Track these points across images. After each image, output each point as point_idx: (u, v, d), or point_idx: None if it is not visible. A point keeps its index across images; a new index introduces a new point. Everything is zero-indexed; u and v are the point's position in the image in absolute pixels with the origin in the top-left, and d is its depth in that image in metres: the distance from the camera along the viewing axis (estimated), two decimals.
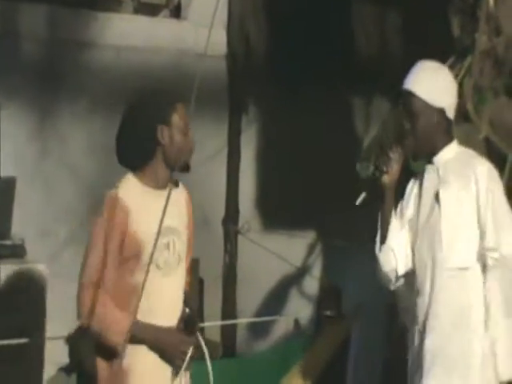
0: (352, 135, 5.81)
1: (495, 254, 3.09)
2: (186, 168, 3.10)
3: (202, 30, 5.03)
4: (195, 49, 5.05)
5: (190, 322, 3.04)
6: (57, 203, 5.18)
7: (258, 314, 5.78)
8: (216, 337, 5.74)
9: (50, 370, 4.23)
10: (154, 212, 2.89)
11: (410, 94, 3.13)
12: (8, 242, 4.19)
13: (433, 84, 3.16)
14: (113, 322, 2.92)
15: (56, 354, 4.04)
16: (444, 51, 3.98)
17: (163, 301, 2.97)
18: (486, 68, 3.93)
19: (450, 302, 3.12)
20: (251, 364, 4.52)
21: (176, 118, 3.03)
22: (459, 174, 3.16)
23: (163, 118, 3.02)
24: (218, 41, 5.61)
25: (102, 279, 2.94)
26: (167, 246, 3.00)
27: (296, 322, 5.50)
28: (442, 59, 3.97)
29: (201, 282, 5.76)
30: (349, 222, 5.29)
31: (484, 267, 3.14)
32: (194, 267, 5.78)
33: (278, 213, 5.92)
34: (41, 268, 4.09)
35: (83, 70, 5.46)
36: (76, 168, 5.37)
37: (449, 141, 3.20)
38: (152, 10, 5.92)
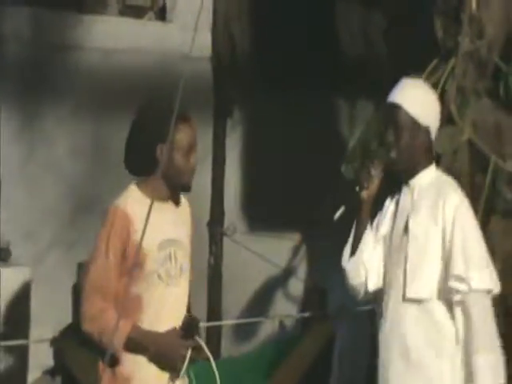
0: (337, 138, 5.82)
1: (463, 286, 3.00)
2: (186, 188, 3.07)
3: (187, 32, 5.05)
4: (180, 50, 5.00)
5: (190, 325, 3.02)
6: (41, 205, 5.15)
7: (244, 315, 5.78)
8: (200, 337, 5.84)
9: (34, 373, 4.22)
10: (156, 223, 2.85)
11: (399, 108, 3.08)
12: None
13: (421, 102, 3.12)
14: (114, 328, 2.85)
15: (41, 357, 4.02)
16: (427, 53, 4.01)
17: (166, 311, 2.98)
18: (468, 70, 3.92)
19: (405, 335, 3.09)
20: (236, 365, 4.46)
21: (177, 138, 2.97)
22: (431, 203, 3.10)
23: (164, 137, 2.88)
24: (202, 43, 5.53)
25: (105, 288, 2.94)
26: (169, 257, 2.99)
27: (281, 323, 5.51)
28: (426, 61, 4.06)
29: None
30: (333, 224, 5.31)
31: (448, 302, 3.06)
32: None
33: (262, 215, 5.93)
34: (25, 271, 4.10)
35: (69, 72, 5.46)
36: (61, 170, 5.36)
37: (428, 163, 3.15)
38: (137, 13, 5.94)
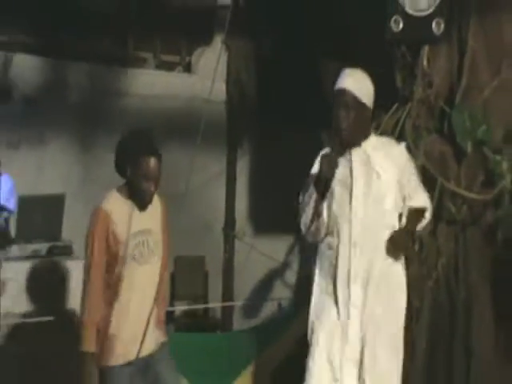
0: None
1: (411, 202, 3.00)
2: (145, 205, 2.95)
3: (207, 82, 5.10)
4: (202, 96, 5.02)
5: None
6: None
7: (250, 298, 5.76)
8: (217, 316, 5.79)
9: None
10: (127, 216, 2.89)
11: (346, 92, 2.97)
12: (60, 243, 4.20)
13: (361, 86, 3.01)
14: (90, 334, 2.85)
15: None
16: (390, 99, 3.98)
17: (139, 283, 2.93)
18: (421, 112, 3.87)
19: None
20: (239, 338, 4.38)
21: (143, 166, 2.89)
22: (382, 150, 3.03)
23: (134, 161, 2.90)
24: (219, 90, 5.62)
25: (100, 276, 2.90)
26: (141, 243, 2.94)
27: (279, 305, 5.42)
28: (389, 105, 4.01)
29: (206, 274, 5.82)
30: None
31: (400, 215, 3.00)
32: (200, 263, 5.85)
33: (265, 221, 5.90)
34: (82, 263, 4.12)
35: (117, 112, 5.46)
36: (110, 187, 5.33)
37: (369, 132, 3.06)
38: (169, 67, 5.95)
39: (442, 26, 3.64)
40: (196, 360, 3.77)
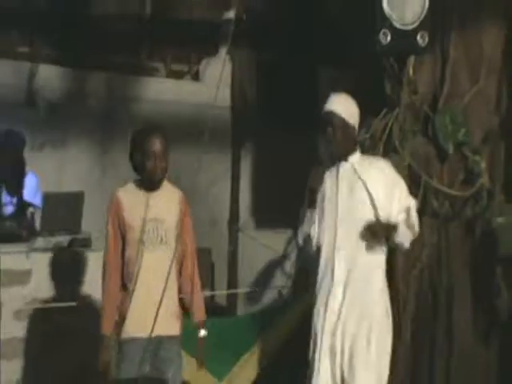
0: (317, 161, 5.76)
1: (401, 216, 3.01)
2: (157, 184, 2.93)
3: (213, 89, 5.07)
4: (208, 101, 4.85)
5: None
6: None
7: (253, 286, 5.75)
8: (222, 302, 5.79)
9: None
10: (139, 204, 2.92)
11: (334, 114, 3.04)
12: (79, 236, 4.17)
13: (347, 108, 3.08)
14: (109, 314, 2.91)
15: None
16: (380, 104, 4.01)
17: (147, 268, 2.92)
18: (407, 116, 3.89)
19: None
20: (243, 322, 4.38)
21: (145, 146, 2.87)
22: (369, 165, 3.09)
23: (138, 146, 2.90)
24: (224, 96, 5.65)
25: (114, 256, 2.93)
26: (152, 230, 2.92)
27: (279, 292, 5.42)
28: (379, 110, 3.96)
29: (212, 265, 5.77)
30: None
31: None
32: (207, 254, 5.87)
33: (266, 216, 5.90)
34: (102, 254, 4.05)
35: (131, 116, 5.43)
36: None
37: (355, 149, 3.12)
38: (179, 75, 5.92)
39: (426, 38, 3.66)
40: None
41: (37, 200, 4.47)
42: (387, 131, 3.87)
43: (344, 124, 3.05)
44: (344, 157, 3.09)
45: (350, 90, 5.29)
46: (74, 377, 3.77)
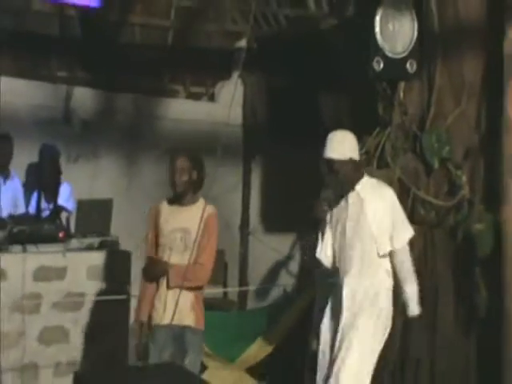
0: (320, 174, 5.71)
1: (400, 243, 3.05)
2: (180, 195, 3.07)
3: (227, 109, 5.09)
4: (222, 120, 4.86)
5: None
6: (139, 214, 4.89)
7: (261, 284, 5.77)
8: (234, 298, 5.80)
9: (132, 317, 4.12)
10: (171, 216, 3.07)
11: (331, 159, 3.01)
12: (109, 238, 4.20)
13: (345, 145, 3.04)
14: (144, 304, 3.05)
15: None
16: (373, 124, 4.00)
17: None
18: (398, 135, 3.89)
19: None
20: (252, 316, 4.45)
21: (171, 163, 3.05)
22: (374, 194, 3.07)
23: (169, 163, 3.08)
24: (236, 115, 5.72)
25: (149, 248, 3.09)
26: (179, 238, 3.05)
27: (284, 289, 5.44)
28: (372, 128, 3.96)
29: (226, 265, 5.79)
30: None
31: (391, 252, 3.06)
32: (221, 255, 5.88)
33: (274, 222, 5.90)
34: (128, 254, 4.11)
35: (156, 132, 5.50)
36: (149, 193, 5.23)
37: (361, 176, 3.09)
38: (196, 97, 5.94)
39: (415, 66, 3.68)
40: (216, 332, 3.82)
41: (70, 205, 4.56)
42: (380, 148, 3.89)
43: (343, 163, 3.01)
44: (351, 186, 3.07)
45: (347, 112, 5.34)
46: (105, 360, 3.84)
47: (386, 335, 3.08)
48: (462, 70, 3.73)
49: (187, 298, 3.06)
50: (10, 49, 5.06)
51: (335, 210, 3.12)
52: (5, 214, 4.40)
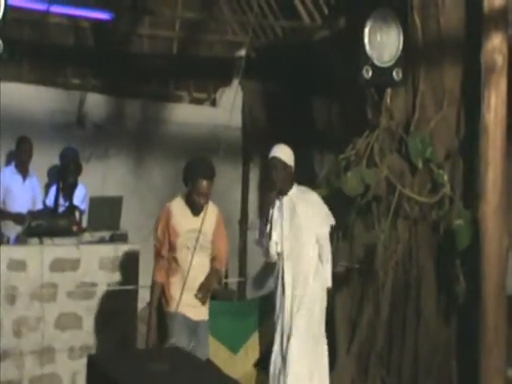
0: (312, 173, 5.63)
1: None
2: (195, 213, 3.07)
3: (228, 113, 5.12)
4: (223, 123, 4.98)
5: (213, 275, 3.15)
6: (145, 210, 5.20)
7: (259, 275, 5.65)
8: (234, 288, 5.83)
9: (141, 305, 4.20)
10: (185, 217, 3.06)
11: (277, 159, 3.30)
12: (118, 232, 4.18)
13: (286, 154, 3.34)
14: (154, 292, 3.07)
15: (145, 296, 4.00)
16: (363, 127, 4.01)
17: (187, 266, 3.06)
18: (385, 137, 3.91)
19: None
20: (251, 305, 4.35)
21: (197, 185, 3.01)
22: (304, 200, 3.33)
23: (192, 180, 3.02)
24: (236, 119, 5.74)
25: (161, 253, 3.06)
26: (194, 238, 3.07)
27: None
28: (362, 131, 3.98)
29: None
30: None
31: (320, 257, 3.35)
32: None
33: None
34: (136, 247, 4.09)
35: (162, 135, 5.51)
36: (157, 190, 5.39)
37: (293, 184, 3.37)
38: (199, 102, 5.98)
39: (400, 74, 3.71)
40: (219, 320, 3.78)
41: (83, 206, 4.61)
42: (369, 149, 3.92)
43: (284, 165, 3.30)
44: (285, 191, 3.34)
45: (339, 115, 5.36)
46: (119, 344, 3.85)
47: (325, 297, 3.33)
48: (443, 79, 3.75)
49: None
50: (28, 58, 5.11)
51: (276, 207, 3.36)
52: (24, 210, 4.44)
